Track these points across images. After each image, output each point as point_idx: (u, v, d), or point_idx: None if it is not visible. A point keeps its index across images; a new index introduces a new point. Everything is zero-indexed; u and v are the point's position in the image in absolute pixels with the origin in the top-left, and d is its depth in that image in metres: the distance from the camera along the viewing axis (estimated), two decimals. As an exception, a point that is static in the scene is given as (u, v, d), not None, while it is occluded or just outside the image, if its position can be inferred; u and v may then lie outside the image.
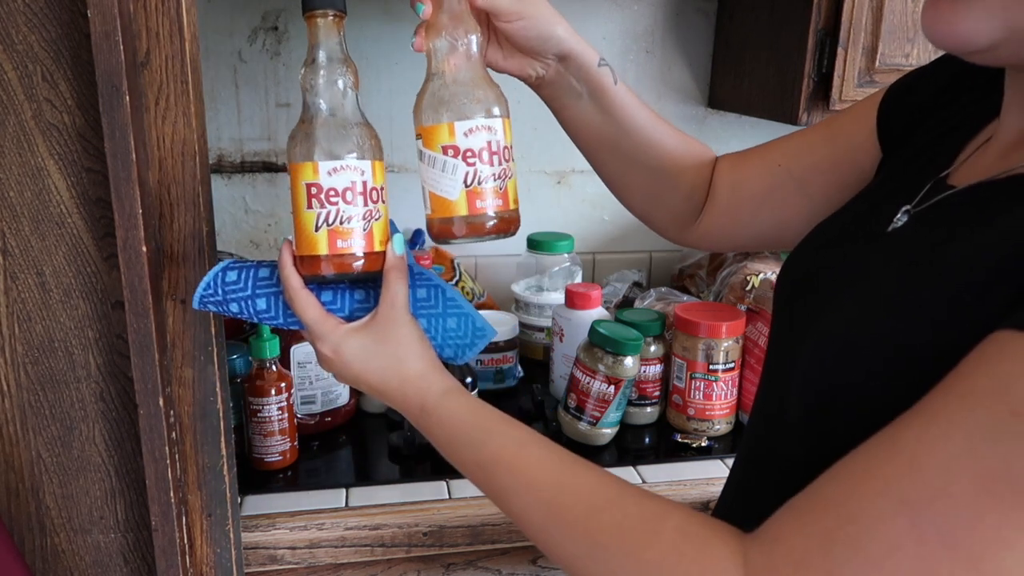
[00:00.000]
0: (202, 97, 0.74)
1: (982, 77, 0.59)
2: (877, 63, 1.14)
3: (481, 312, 1.26)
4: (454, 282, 1.38)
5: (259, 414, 0.98)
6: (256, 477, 0.99)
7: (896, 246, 0.51)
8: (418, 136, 0.61)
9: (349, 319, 0.64)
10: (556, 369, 1.20)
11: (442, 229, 0.62)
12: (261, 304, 0.67)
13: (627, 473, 1.02)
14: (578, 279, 1.35)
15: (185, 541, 0.83)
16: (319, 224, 0.61)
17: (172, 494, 0.79)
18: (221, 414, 0.81)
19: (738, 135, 1.52)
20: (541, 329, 1.32)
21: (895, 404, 0.43)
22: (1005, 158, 0.49)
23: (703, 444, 1.09)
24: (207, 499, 0.83)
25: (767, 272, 1.22)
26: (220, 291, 0.67)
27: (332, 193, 0.60)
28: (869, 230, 0.55)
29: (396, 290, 0.62)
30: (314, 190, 0.60)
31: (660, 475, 1.01)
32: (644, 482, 1.00)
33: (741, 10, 1.37)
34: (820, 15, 1.13)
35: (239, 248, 1.41)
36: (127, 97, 0.68)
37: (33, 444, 0.80)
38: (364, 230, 0.61)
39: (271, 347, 0.97)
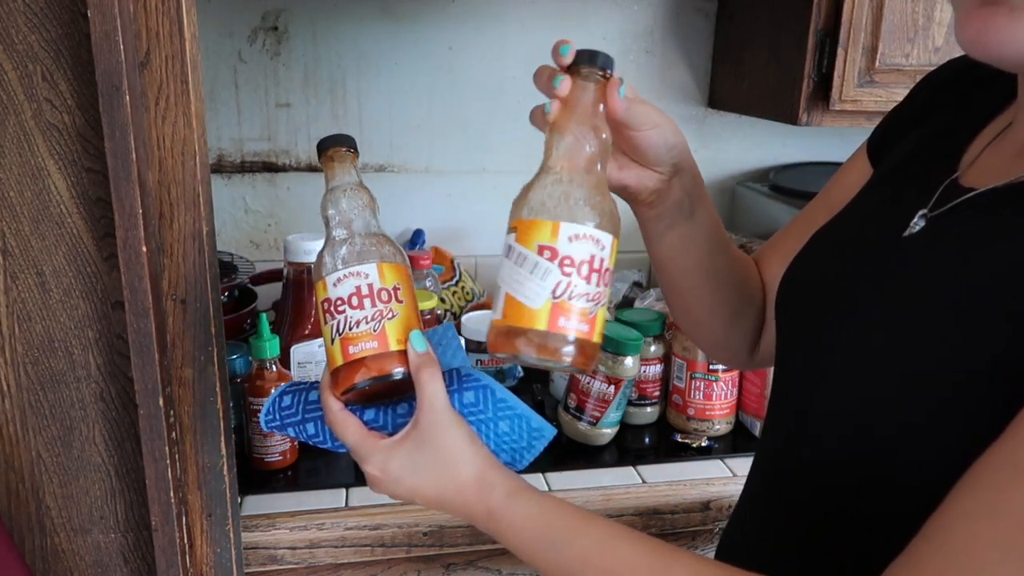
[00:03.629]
0: (202, 97, 0.74)
1: (970, 81, 0.59)
2: (877, 63, 1.14)
3: (481, 312, 1.27)
4: (454, 281, 1.38)
5: (259, 414, 0.98)
6: (256, 477, 0.99)
7: (923, 254, 0.50)
8: (511, 229, 0.53)
9: (393, 435, 0.61)
10: (556, 369, 1.20)
11: (507, 340, 0.52)
12: (311, 428, 0.66)
13: (627, 473, 1.02)
14: (578, 279, 1.34)
15: (185, 541, 0.83)
16: (333, 336, 0.60)
17: (172, 494, 0.79)
18: (221, 414, 0.81)
19: (738, 135, 1.52)
20: (541, 329, 1.31)
21: (949, 417, 0.43)
22: (1016, 158, 0.49)
23: (703, 444, 1.09)
24: (207, 499, 0.83)
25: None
26: (278, 416, 0.67)
27: (339, 303, 0.60)
28: (883, 235, 0.54)
29: (431, 391, 0.57)
30: (325, 304, 0.61)
31: (660, 475, 1.01)
32: (644, 482, 1.00)
33: (741, 10, 1.37)
34: (820, 15, 1.13)
35: (239, 248, 1.41)
36: (127, 97, 0.68)
37: (33, 444, 0.80)
38: (375, 331, 0.59)
39: (271, 347, 0.97)
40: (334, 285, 0.60)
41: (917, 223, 0.51)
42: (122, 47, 0.67)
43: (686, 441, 1.10)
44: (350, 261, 0.61)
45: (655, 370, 1.12)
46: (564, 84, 0.54)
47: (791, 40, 1.19)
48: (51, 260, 0.75)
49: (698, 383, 1.10)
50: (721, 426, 1.12)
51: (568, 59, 0.55)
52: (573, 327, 0.51)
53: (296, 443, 1.02)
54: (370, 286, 0.60)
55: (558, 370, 0.55)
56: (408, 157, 1.43)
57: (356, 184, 0.63)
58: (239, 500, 0.90)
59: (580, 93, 0.54)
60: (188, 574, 0.84)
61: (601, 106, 0.55)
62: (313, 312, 1.06)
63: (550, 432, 0.61)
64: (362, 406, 0.62)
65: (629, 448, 1.10)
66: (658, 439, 1.13)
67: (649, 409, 1.14)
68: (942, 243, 0.49)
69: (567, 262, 0.51)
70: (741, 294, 0.73)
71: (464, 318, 1.22)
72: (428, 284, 1.27)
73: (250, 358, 1.00)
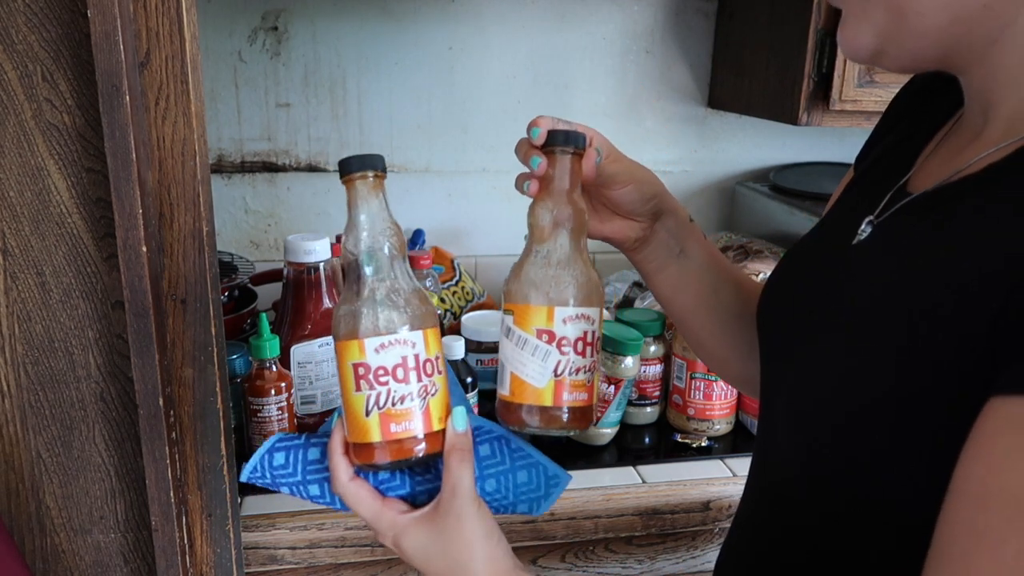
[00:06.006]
0: (202, 97, 0.74)
1: (932, 90, 0.59)
2: (877, 63, 1.14)
3: (481, 312, 1.27)
4: (454, 281, 1.38)
5: (259, 414, 0.98)
6: (256, 477, 0.99)
7: (865, 261, 0.50)
8: (508, 311, 0.58)
9: (411, 497, 0.58)
10: (556, 369, 1.20)
11: (517, 415, 0.58)
12: (314, 490, 0.61)
13: (627, 473, 1.02)
14: (578, 279, 1.34)
15: (185, 541, 0.83)
16: (369, 408, 0.54)
17: (172, 494, 0.79)
18: (221, 414, 0.81)
19: (738, 135, 1.52)
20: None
21: (893, 437, 0.43)
22: (955, 158, 0.49)
23: (703, 444, 1.09)
24: (207, 499, 0.83)
25: (767, 272, 1.22)
26: (268, 474, 0.61)
27: (381, 372, 0.54)
28: (836, 244, 0.54)
29: (459, 475, 0.54)
30: (361, 370, 0.55)
31: (660, 475, 1.01)
32: (644, 482, 1.00)
33: (741, 10, 1.37)
34: (820, 15, 1.13)
35: (239, 248, 1.41)
36: (127, 97, 0.68)
37: (33, 444, 0.80)
38: (420, 409, 0.55)
39: (271, 347, 0.97)
40: (376, 351, 0.54)
41: (864, 230, 0.52)
42: (122, 47, 0.67)
43: (686, 441, 1.10)
44: (395, 324, 0.54)
45: (655, 370, 1.12)
46: (541, 166, 0.57)
47: (791, 40, 1.19)
48: (51, 260, 0.75)
49: (698, 383, 1.10)
50: (721, 426, 1.12)
51: (539, 142, 0.58)
52: (574, 398, 0.57)
53: (296, 443, 1.02)
54: (416, 356, 0.55)
55: (562, 431, 0.59)
56: (408, 157, 1.43)
57: (390, 221, 0.56)
58: (239, 500, 0.90)
59: (556, 170, 0.58)
60: (188, 574, 0.84)
61: (578, 179, 0.58)
62: (312, 312, 1.06)
63: (566, 479, 0.60)
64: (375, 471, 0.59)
65: (629, 448, 1.10)
66: (658, 439, 1.13)
67: (649, 409, 1.14)
68: (882, 249, 0.49)
69: (564, 342, 0.56)
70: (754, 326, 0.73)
71: (464, 318, 1.22)
72: (428, 284, 1.27)
73: (250, 358, 1.00)
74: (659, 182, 0.66)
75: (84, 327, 0.77)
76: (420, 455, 0.55)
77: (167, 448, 0.78)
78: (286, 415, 0.99)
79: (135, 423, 0.80)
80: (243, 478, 0.61)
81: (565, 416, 0.57)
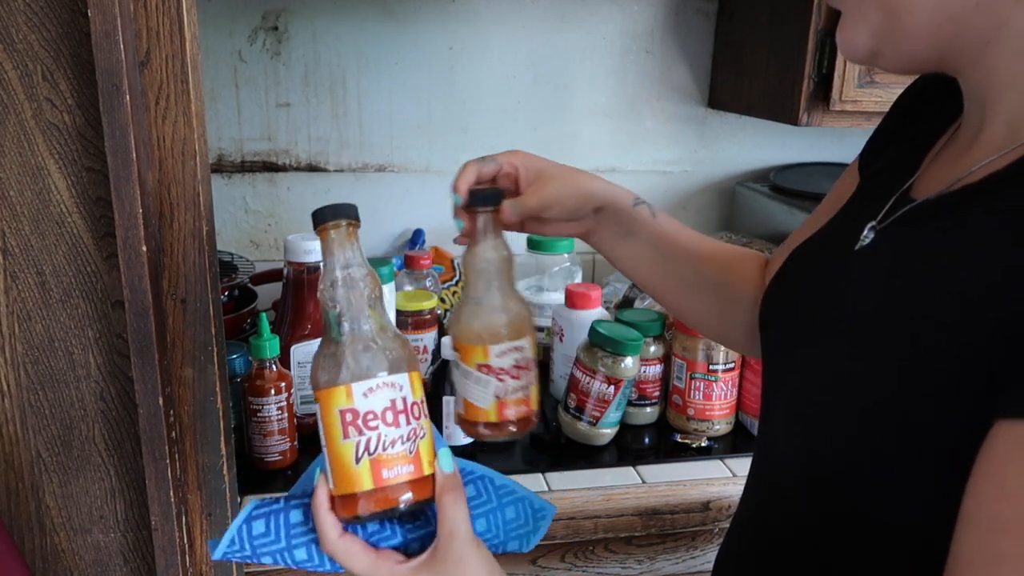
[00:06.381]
0: (202, 97, 0.74)
1: (938, 92, 0.59)
2: (877, 63, 1.13)
3: (481, 312, 1.26)
4: (454, 281, 1.38)
5: (259, 414, 0.98)
6: (256, 477, 0.99)
7: (865, 267, 0.51)
8: (455, 349, 0.66)
9: (404, 546, 0.57)
10: (556, 369, 1.20)
11: (472, 429, 0.68)
12: (300, 555, 0.58)
13: (627, 473, 1.02)
14: (578, 279, 1.35)
15: (185, 541, 0.83)
16: (359, 455, 0.53)
17: (172, 494, 0.79)
18: (221, 414, 0.81)
19: (738, 135, 1.52)
20: (541, 329, 1.32)
21: (889, 445, 0.43)
22: (956, 163, 0.49)
23: (703, 444, 1.09)
24: (207, 499, 0.83)
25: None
26: (248, 545, 0.57)
27: (371, 416, 0.53)
28: (839, 249, 0.55)
29: (454, 517, 0.53)
30: (349, 416, 0.53)
31: (660, 475, 1.01)
32: (644, 482, 1.00)
33: (741, 10, 1.37)
34: (820, 15, 1.13)
35: (239, 248, 1.41)
36: (127, 96, 0.68)
37: (33, 444, 0.80)
38: (411, 452, 0.54)
39: (271, 347, 0.97)
40: (364, 395, 0.53)
41: (867, 236, 0.52)
42: (122, 46, 0.67)
43: (686, 441, 1.10)
44: (381, 368, 0.54)
45: (655, 370, 1.12)
46: (465, 229, 0.66)
47: (791, 40, 1.19)
48: (51, 260, 0.75)
49: (698, 383, 1.10)
50: (721, 426, 1.12)
51: (462, 206, 0.66)
52: (513, 412, 0.66)
53: (296, 443, 1.02)
54: (404, 399, 0.55)
55: (508, 437, 0.69)
56: (408, 157, 1.43)
57: (366, 268, 0.56)
58: (239, 500, 0.90)
59: (478, 227, 0.66)
60: (188, 574, 0.84)
61: (499, 230, 0.67)
62: (312, 312, 1.06)
63: (552, 510, 0.61)
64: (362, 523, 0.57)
65: (629, 448, 1.10)
66: (658, 439, 1.13)
67: (649, 409, 1.14)
68: (883, 256, 0.50)
69: (500, 371, 0.65)
70: (722, 295, 0.74)
71: (464, 318, 1.22)
72: (428, 284, 1.27)
73: (250, 358, 1.00)
74: (588, 188, 0.70)
75: (84, 327, 0.77)
76: (412, 500, 0.54)
77: (167, 448, 0.78)
78: (286, 415, 0.99)
79: (135, 423, 0.80)
80: (217, 556, 0.57)
81: (511, 427, 0.67)
